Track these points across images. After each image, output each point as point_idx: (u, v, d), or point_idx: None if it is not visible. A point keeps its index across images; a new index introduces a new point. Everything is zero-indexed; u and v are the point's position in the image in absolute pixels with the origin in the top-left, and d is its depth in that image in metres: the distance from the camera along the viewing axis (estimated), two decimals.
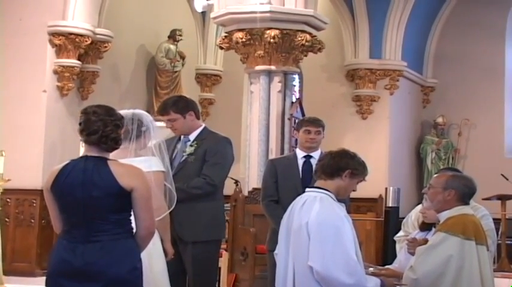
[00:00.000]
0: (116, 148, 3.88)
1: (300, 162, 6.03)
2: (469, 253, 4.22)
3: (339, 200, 4.11)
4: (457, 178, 4.53)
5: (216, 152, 5.61)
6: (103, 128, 3.76)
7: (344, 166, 4.09)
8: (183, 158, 5.61)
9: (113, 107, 3.91)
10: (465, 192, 4.46)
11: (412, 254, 4.54)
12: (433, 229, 4.95)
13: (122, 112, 4.24)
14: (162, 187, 4.79)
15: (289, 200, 4.31)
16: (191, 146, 5.63)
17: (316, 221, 3.91)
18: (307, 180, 5.64)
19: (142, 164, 4.29)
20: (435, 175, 4.69)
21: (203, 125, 5.81)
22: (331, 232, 3.87)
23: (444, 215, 4.41)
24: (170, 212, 4.94)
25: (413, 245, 4.62)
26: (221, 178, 5.71)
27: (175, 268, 5.32)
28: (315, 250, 3.86)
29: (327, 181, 4.09)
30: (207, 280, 5.68)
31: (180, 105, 5.66)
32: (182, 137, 5.73)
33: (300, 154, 6.07)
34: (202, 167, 5.55)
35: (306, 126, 6.07)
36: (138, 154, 4.75)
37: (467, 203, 4.49)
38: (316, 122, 6.08)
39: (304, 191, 4.18)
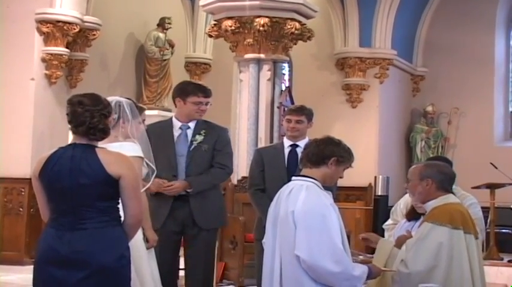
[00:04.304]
0: (105, 138, 3.86)
1: (286, 151, 5.99)
2: (458, 243, 4.19)
3: (325, 188, 4.09)
4: (431, 166, 4.48)
5: (226, 142, 5.83)
6: (90, 120, 3.74)
7: (329, 153, 4.06)
8: (193, 146, 5.68)
9: (99, 95, 3.88)
10: (442, 179, 4.39)
11: None
12: (422, 218, 4.94)
13: None
14: (140, 174, 4.73)
15: (275, 189, 4.30)
16: (199, 134, 5.71)
17: (303, 210, 3.89)
18: (292, 169, 5.64)
19: (117, 150, 4.22)
20: (411, 168, 4.59)
21: None
22: (317, 220, 3.86)
23: (430, 205, 4.38)
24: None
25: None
26: (233, 167, 6.05)
27: (171, 256, 5.58)
28: (301, 239, 3.85)
29: (312, 169, 4.06)
30: (212, 267, 5.91)
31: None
32: (180, 124, 5.75)
33: (287, 142, 6.04)
34: (212, 156, 5.70)
35: (287, 115, 6.07)
36: (115, 140, 4.66)
37: (450, 191, 4.45)
38: (298, 111, 6.01)
39: (290, 180, 4.16)
